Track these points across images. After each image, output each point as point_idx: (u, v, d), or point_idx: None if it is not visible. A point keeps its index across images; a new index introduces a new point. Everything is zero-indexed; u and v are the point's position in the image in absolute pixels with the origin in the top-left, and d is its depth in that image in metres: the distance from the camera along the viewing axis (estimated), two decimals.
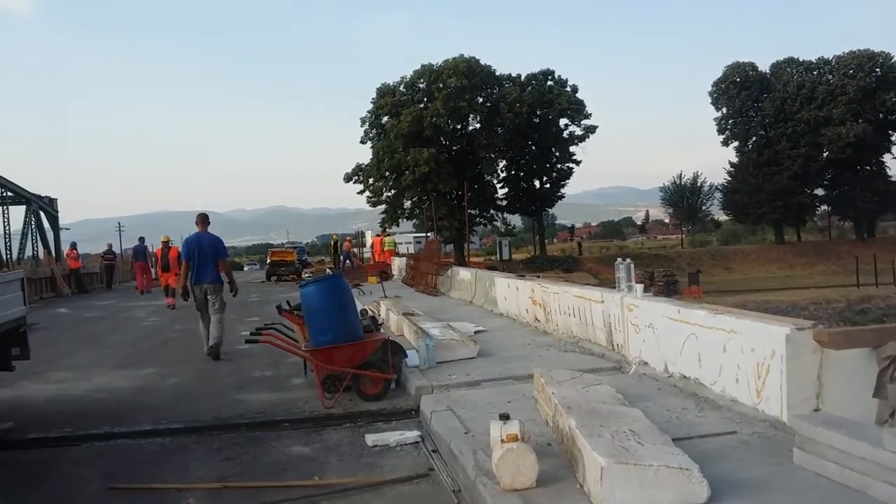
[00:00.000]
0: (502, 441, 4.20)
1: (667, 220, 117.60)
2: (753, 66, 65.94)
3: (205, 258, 10.34)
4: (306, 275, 28.80)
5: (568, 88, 56.22)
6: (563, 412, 4.79)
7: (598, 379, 6.13)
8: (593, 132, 56.55)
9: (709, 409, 5.61)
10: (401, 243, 50.25)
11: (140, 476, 5.11)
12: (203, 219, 10.84)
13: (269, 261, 33.11)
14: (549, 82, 56.72)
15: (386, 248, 31.29)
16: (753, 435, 4.90)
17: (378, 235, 36.62)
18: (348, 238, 38.01)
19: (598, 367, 7.50)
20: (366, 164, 52.84)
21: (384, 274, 24.59)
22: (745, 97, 64.65)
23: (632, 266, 10.23)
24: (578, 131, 56.71)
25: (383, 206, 53.83)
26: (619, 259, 10.72)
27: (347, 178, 53.64)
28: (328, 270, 30.20)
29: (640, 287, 8.10)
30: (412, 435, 5.74)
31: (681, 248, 76.55)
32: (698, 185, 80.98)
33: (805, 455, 4.20)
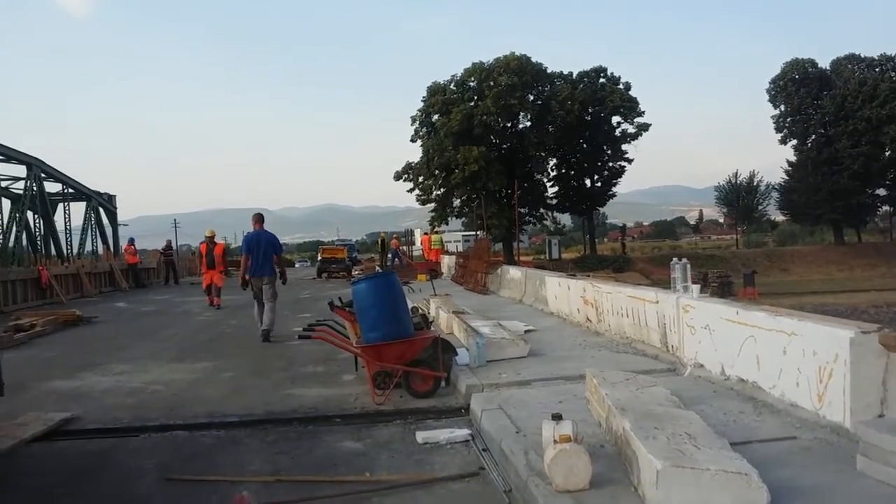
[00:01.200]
0: (555, 441, 4.16)
1: (721, 220, 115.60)
2: (813, 63, 64.29)
3: (262, 253, 11.56)
4: (356, 272, 29.06)
5: (620, 86, 55.58)
6: (616, 413, 4.72)
7: (653, 380, 6.02)
8: (646, 130, 55.82)
9: (767, 414, 5.46)
10: (449, 241, 50.29)
11: (196, 468, 5.20)
12: (259, 218, 11.99)
13: (320, 258, 33.45)
14: (602, 80, 56.18)
15: (433, 247, 31.34)
16: (814, 440, 4.76)
17: (426, 234, 36.68)
18: (395, 236, 38.25)
19: (652, 368, 7.38)
20: (416, 162, 53.08)
21: (434, 272, 24.65)
22: (803, 94, 63.08)
23: (688, 266, 10.03)
24: (631, 129, 56.12)
25: (433, 205, 53.97)
26: (675, 259, 10.52)
27: (397, 177, 53.98)
28: (377, 268, 30.41)
29: (696, 287, 7.94)
30: (462, 433, 5.72)
31: (736, 248, 75.16)
32: (754, 184, 79.37)
33: (869, 462, 4.06)
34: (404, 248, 39.27)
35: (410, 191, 54.02)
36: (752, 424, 5.23)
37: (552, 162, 56.93)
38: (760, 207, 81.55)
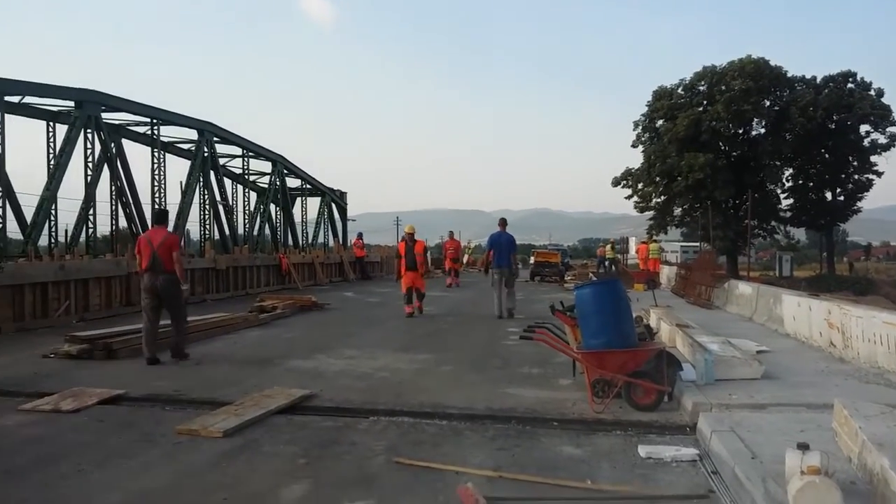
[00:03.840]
0: (802, 472, 3.80)
1: None
2: None
3: (502, 250, 14.96)
4: (569, 278, 28.83)
5: (872, 92, 50.14)
6: (872, 449, 4.23)
7: None
8: None
9: None
10: (666, 251, 48.27)
11: (421, 454, 5.38)
12: (503, 222, 15.60)
13: (533, 261, 33.59)
14: (850, 85, 51.02)
15: (651, 256, 30.19)
16: None
17: (644, 242, 35.40)
18: (602, 244, 37.19)
19: None
20: (636, 168, 51.55)
21: (652, 282, 23.80)
22: None
23: None
24: (882, 139, 50.32)
25: (651, 213, 52.13)
26: None
27: (616, 183, 52.70)
28: (591, 275, 29.95)
29: None
30: (689, 452, 5.42)
31: None
32: None
33: None
34: (619, 255, 38.32)
35: (628, 197, 52.48)
36: None
37: (788, 172, 52.62)
38: None
